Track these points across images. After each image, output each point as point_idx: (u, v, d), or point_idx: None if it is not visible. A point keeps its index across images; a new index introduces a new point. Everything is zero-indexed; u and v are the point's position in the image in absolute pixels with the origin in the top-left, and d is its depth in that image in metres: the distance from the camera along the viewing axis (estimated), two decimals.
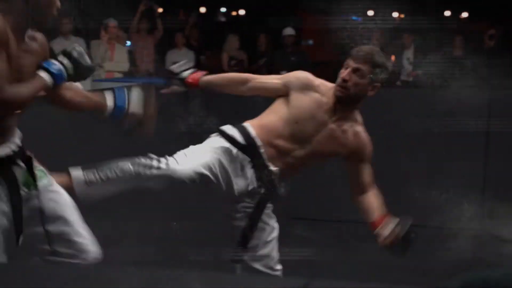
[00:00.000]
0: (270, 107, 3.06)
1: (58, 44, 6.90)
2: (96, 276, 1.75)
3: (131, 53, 7.25)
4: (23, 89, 2.38)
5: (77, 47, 2.50)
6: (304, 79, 3.00)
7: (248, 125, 3.02)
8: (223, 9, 9.30)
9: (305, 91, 2.97)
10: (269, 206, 3.06)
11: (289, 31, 7.46)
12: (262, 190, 2.98)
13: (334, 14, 6.72)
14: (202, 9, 9.60)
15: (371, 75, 2.89)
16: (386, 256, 3.01)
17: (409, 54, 7.09)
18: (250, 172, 2.96)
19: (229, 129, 3.02)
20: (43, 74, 2.42)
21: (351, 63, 2.91)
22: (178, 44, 7.71)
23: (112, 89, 2.73)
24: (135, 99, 2.71)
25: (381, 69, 2.91)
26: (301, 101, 2.97)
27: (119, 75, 6.75)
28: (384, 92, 3.09)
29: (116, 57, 6.80)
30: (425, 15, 7.22)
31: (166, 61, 7.67)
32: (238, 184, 2.94)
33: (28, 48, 2.39)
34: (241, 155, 2.95)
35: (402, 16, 8.54)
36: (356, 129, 3.02)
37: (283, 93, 3.00)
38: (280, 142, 2.97)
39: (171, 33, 7.80)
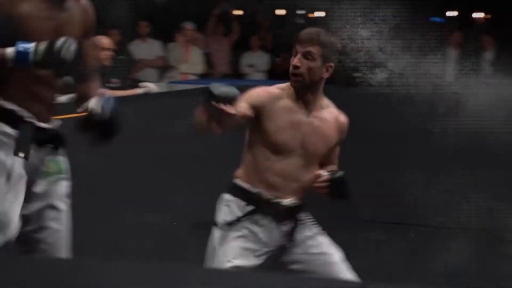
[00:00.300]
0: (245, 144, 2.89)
1: (136, 46, 7.11)
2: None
3: (207, 55, 7.37)
4: None
5: (69, 40, 2.25)
6: (256, 95, 2.79)
7: (237, 180, 2.85)
8: (300, 11, 9.32)
9: (265, 105, 2.77)
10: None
11: None
12: (291, 226, 2.83)
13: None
14: (280, 11, 9.65)
15: (322, 56, 2.73)
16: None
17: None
18: (272, 223, 2.80)
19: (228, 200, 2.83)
20: (9, 49, 2.25)
21: (299, 48, 2.73)
22: (254, 46, 7.78)
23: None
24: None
25: (331, 48, 2.76)
26: (272, 113, 2.78)
27: (194, 77, 6.87)
28: None
29: (191, 59, 6.90)
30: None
31: (241, 63, 7.78)
32: (272, 238, 2.80)
33: (63, 13, 2.32)
34: (259, 218, 2.79)
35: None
36: (335, 114, 2.87)
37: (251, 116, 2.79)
38: (276, 170, 2.80)
39: (247, 35, 7.90)
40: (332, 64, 2.75)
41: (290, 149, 2.80)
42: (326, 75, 2.75)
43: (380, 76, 6.06)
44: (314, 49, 2.70)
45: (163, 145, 4.12)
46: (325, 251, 2.83)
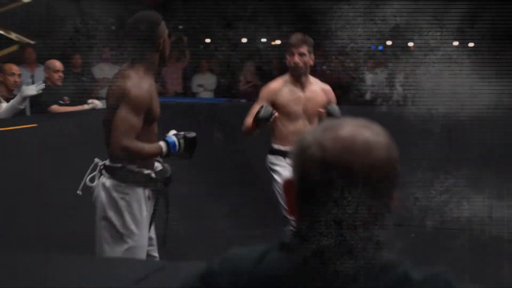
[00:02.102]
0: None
1: (100, 69, 8.11)
2: None
3: (160, 76, 8.31)
4: (144, 150, 2.84)
5: (191, 133, 3.00)
6: (267, 89, 4.23)
7: (273, 144, 4.25)
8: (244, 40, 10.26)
9: (276, 92, 4.17)
10: None
11: None
12: None
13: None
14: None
15: (309, 52, 4.13)
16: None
17: None
18: None
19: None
20: (163, 145, 2.91)
21: (294, 50, 4.13)
22: (203, 69, 8.75)
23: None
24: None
25: (312, 45, 4.17)
26: (281, 96, 4.17)
27: None
28: None
29: None
30: None
31: (192, 83, 8.73)
32: None
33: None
34: None
35: None
36: (320, 85, 4.30)
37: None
38: (293, 130, 4.12)
39: (197, 59, 8.85)
40: (313, 55, 4.21)
41: (298, 115, 4.18)
42: (312, 62, 4.18)
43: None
44: (304, 49, 4.17)
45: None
46: None
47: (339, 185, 1.17)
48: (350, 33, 7.09)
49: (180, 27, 9.76)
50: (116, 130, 2.75)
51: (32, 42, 8.68)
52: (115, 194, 2.89)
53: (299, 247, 1.19)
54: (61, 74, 5.68)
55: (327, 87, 4.33)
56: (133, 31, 2.88)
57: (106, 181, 2.91)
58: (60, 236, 3.58)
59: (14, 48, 8.46)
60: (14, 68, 5.47)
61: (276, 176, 4.15)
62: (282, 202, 3.96)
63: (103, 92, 7.75)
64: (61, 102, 5.63)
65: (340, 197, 1.17)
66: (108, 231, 2.90)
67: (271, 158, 4.23)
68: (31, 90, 4.95)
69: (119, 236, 2.89)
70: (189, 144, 2.97)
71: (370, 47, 8.61)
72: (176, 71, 8.66)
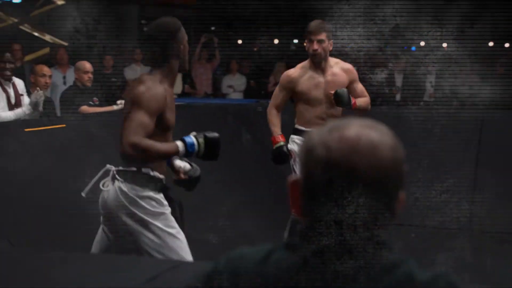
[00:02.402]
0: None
1: (131, 70, 8.20)
2: None
3: (189, 77, 8.38)
4: (155, 147, 2.72)
5: (213, 133, 2.86)
6: (286, 77, 4.34)
7: (296, 125, 4.40)
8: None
9: (296, 79, 4.28)
10: None
11: None
12: None
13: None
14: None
15: (327, 38, 4.20)
16: None
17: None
18: None
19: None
20: (180, 145, 2.79)
21: (313, 37, 4.19)
22: (233, 70, 8.78)
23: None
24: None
25: (330, 31, 4.25)
26: (301, 84, 4.28)
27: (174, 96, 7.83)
28: None
29: None
30: None
31: (222, 84, 8.78)
32: None
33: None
34: None
35: None
36: (340, 65, 4.35)
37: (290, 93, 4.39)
38: (316, 115, 4.25)
39: (227, 60, 8.89)
40: (332, 41, 4.32)
41: (319, 100, 4.29)
42: (331, 48, 4.30)
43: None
44: (323, 36, 4.23)
45: None
46: None
47: (344, 186, 1.17)
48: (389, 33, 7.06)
49: (213, 28, 9.83)
50: (125, 130, 2.72)
51: (65, 43, 8.81)
52: (139, 200, 2.85)
53: (303, 247, 1.19)
54: (90, 75, 5.75)
55: (348, 66, 4.39)
56: (153, 37, 2.88)
57: (122, 185, 2.85)
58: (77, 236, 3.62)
59: (46, 50, 8.59)
60: (45, 70, 5.56)
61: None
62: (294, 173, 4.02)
63: None
64: (91, 103, 5.70)
65: (345, 197, 1.17)
66: (149, 239, 2.85)
67: (294, 137, 4.37)
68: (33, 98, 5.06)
69: (164, 239, 2.86)
70: (211, 144, 2.87)
71: (403, 48, 8.56)
72: (206, 72, 8.71)
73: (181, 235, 2.91)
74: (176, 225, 2.92)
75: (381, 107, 6.25)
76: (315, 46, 4.19)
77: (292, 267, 1.18)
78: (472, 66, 7.02)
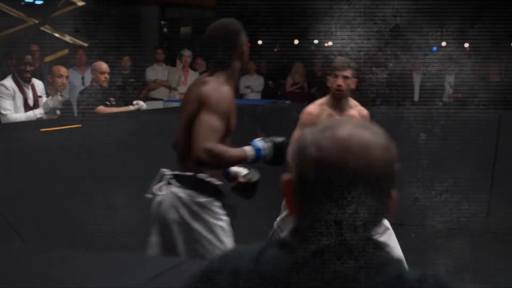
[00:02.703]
0: None
1: (152, 70, 8.24)
2: None
3: None
4: (228, 153, 2.66)
5: (280, 138, 2.83)
6: (307, 114, 4.14)
7: None
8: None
9: (318, 117, 4.09)
10: None
11: None
12: None
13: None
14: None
15: (352, 75, 4.08)
16: None
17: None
18: None
19: None
20: (249, 150, 2.74)
21: (338, 72, 4.06)
22: (250, 70, 8.77)
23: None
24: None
25: (355, 69, 4.13)
26: (320, 122, 4.03)
27: None
28: None
29: (189, 82, 7.85)
30: None
31: (240, 85, 8.77)
32: None
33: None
34: None
35: None
36: (358, 109, 4.22)
37: None
38: None
39: None
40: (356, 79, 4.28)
41: None
42: (353, 86, 4.18)
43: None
44: (348, 73, 4.11)
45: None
46: None
47: (336, 185, 1.17)
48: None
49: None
50: (198, 134, 2.65)
51: (85, 44, 8.87)
52: (195, 206, 2.82)
53: (295, 245, 1.20)
54: (107, 75, 5.79)
55: (364, 112, 4.25)
56: (216, 39, 2.84)
57: (178, 190, 2.83)
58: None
59: (65, 51, 8.66)
60: (62, 70, 5.61)
61: None
62: None
63: (155, 93, 7.88)
64: (107, 103, 5.74)
65: (337, 196, 1.17)
66: (202, 246, 2.83)
67: None
68: (49, 103, 5.11)
69: (217, 246, 2.83)
70: (278, 149, 2.80)
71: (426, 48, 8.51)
72: None
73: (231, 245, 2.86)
74: (229, 233, 2.88)
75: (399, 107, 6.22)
76: (340, 81, 4.08)
77: (283, 265, 1.19)
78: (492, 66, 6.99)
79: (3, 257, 2.06)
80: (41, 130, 4.45)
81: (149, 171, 3.03)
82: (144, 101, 6.28)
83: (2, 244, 3.30)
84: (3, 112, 5.17)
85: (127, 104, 5.89)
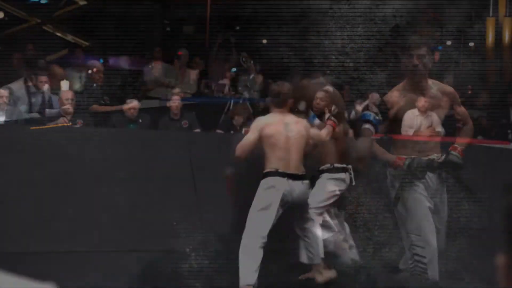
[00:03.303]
0: None
1: (154, 68, 8.20)
2: None
3: (206, 77, 8.36)
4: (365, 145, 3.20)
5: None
6: (392, 99, 4.08)
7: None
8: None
9: (400, 99, 4.05)
10: None
11: None
12: None
13: None
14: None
15: (428, 54, 3.90)
16: None
17: None
18: None
19: None
20: (368, 126, 3.28)
21: (414, 52, 3.86)
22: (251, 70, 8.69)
23: None
24: None
25: (431, 46, 3.98)
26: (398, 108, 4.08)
27: (188, 96, 7.82)
28: None
29: (185, 80, 7.85)
30: None
31: (239, 83, 8.71)
32: None
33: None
34: None
35: None
36: (440, 87, 4.05)
37: None
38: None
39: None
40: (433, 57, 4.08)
41: None
42: (430, 65, 3.97)
43: None
44: (423, 51, 3.91)
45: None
46: None
47: None
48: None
49: (237, 27, 9.78)
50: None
51: (87, 43, 8.88)
52: None
53: None
54: (101, 74, 5.79)
55: (449, 89, 4.01)
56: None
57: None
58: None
59: (65, 51, 8.68)
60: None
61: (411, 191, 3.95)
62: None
63: (154, 92, 7.85)
64: (102, 102, 5.76)
65: None
66: None
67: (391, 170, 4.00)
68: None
69: None
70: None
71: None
72: (223, 71, 8.68)
73: None
74: None
75: None
76: (416, 61, 3.86)
77: None
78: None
79: None
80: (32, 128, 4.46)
81: None
82: (141, 100, 6.28)
83: None
84: None
85: (121, 103, 5.90)
